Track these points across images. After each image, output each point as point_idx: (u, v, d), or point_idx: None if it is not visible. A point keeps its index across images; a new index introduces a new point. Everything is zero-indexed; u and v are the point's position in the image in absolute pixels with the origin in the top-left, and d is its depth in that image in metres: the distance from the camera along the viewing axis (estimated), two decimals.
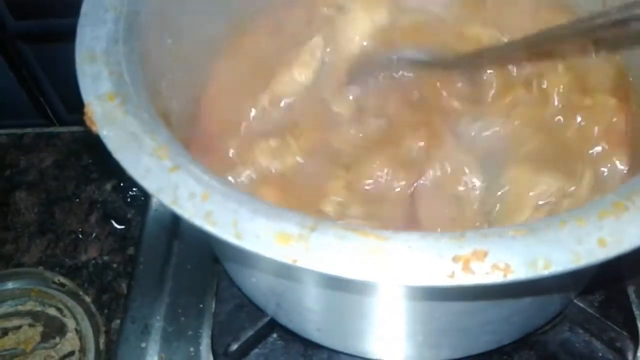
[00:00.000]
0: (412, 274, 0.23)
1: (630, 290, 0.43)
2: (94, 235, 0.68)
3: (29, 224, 0.70)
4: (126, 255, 0.67)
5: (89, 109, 0.29)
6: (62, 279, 0.61)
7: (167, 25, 0.38)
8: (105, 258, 0.67)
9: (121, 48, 0.32)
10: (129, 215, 0.69)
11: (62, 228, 0.69)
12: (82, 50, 0.32)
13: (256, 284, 0.39)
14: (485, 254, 0.23)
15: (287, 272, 0.31)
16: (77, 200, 0.71)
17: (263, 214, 0.25)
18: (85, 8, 0.34)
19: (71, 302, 0.61)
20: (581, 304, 0.41)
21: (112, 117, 0.29)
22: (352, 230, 0.24)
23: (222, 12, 0.41)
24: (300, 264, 0.24)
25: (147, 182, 0.26)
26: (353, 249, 0.24)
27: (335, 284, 0.30)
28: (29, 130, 0.77)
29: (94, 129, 0.28)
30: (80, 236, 0.68)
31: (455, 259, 0.23)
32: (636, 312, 0.42)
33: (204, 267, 0.49)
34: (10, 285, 0.62)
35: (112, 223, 0.68)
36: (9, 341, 0.58)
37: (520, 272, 0.23)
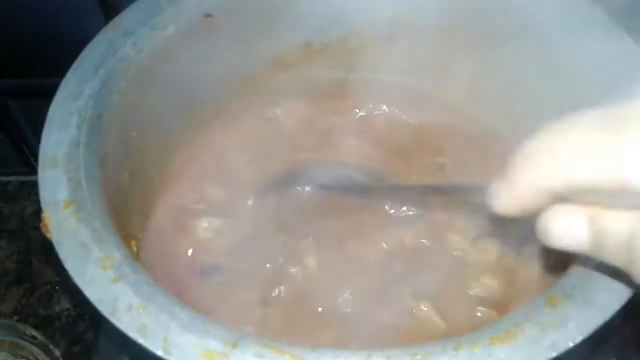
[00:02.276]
0: None
1: None
2: (68, 286, 0.70)
3: (7, 272, 0.72)
4: None
5: (46, 216, 0.32)
6: (34, 332, 0.64)
7: (132, 121, 0.41)
8: (79, 310, 0.69)
9: (82, 153, 0.35)
10: None
11: (39, 278, 0.71)
12: (46, 155, 0.35)
13: None
14: None
15: None
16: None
17: (192, 329, 0.28)
18: (52, 112, 0.37)
19: (42, 356, 0.63)
20: None
21: (65, 225, 0.31)
22: (270, 347, 0.27)
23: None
24: None
25: (90, 292, 0.29)
26: None
27: None
28: (13, 178, 0.80)
29: (49, 236, 0.31)
30: (57, 287, 0.71)
31: None
32: None
33: None
34: None
35: None
36: None
37: None
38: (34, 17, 0.60)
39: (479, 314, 0.38)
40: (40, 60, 0.66)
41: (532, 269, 0.40)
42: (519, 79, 0.43)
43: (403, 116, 0.50)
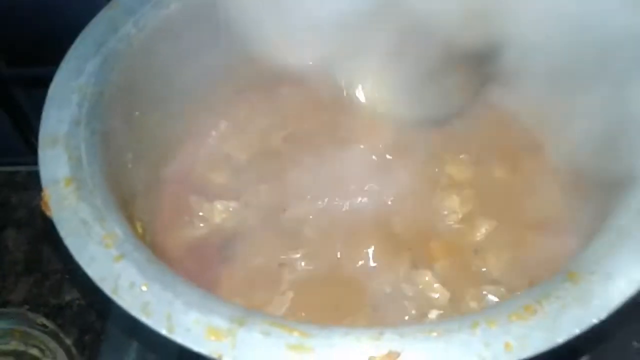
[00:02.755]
0: None
1: None
2: (78, 275, 0.70)
3: (17, 262, 0.72)
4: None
5: (46, 193, 0.31)
6: (45, 321, 0.63)
7: (135, 100, 0.40)
8: (88, 299, 0.68)
9: (82, 130, 0.34)
10: None
11: (49, 267, 0.71)
12: (46, 134, 0.34)
13: None
14: (397, 356, 0.25)
15: None
16: None
17: (196, 306, 0.27)
18: (52, 91, 0.36)
19: (52, 344, 0.62)
20: None
21: (66, 203, 0.31)
22: (278, 325, 0.26)
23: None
24: None
25: (91, 270, 0.28)
26: (275, 345, 0.25)
27: None
28: (21, 168, 0.80)
29: (49, 214, 0.30)
30: (67, 276, 0.70)
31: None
32: None
33: None
34: None
35: None
36: None
37: None
38: (42, 5, 0.60)
39: None
40: (49, 48, 0.65)
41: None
42: None
43: None
